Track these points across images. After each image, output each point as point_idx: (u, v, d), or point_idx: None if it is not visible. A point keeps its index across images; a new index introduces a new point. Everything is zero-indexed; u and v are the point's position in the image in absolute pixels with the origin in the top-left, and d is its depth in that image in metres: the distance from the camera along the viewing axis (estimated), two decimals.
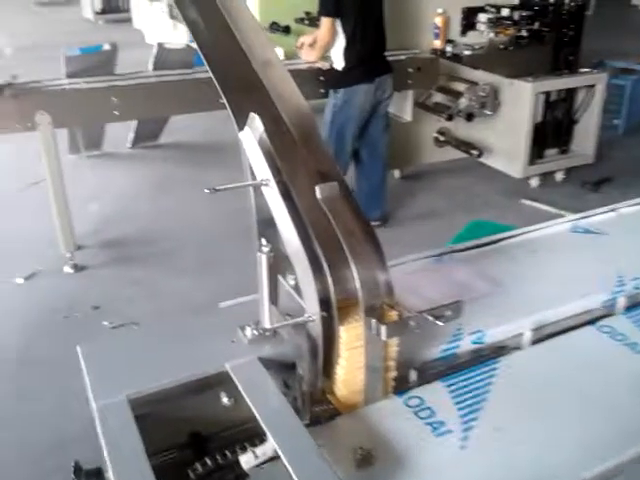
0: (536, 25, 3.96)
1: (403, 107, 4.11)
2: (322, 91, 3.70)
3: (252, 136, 1.12)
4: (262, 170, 1.09)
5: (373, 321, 1.01)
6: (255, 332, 1.12)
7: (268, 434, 0.94)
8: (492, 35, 3.94)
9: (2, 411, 2.53)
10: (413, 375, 1.17)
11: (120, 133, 5.10)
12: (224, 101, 1.20)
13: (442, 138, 4.26)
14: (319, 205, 1.06)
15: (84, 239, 3.83)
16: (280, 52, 4.66)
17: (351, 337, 1.03)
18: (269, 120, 1.16)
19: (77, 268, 3.67)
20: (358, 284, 1.02)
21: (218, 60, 1.25)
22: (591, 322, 1.32)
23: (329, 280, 1.02)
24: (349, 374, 1.05)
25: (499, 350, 1.27)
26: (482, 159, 4.13)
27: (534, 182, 4.27)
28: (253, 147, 1.11)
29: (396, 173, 4.52)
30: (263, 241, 1.07)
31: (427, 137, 4.28)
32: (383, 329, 1.00)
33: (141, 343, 1.17)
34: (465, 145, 4.15)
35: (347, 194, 1.12)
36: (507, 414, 1.07)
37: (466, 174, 4.47)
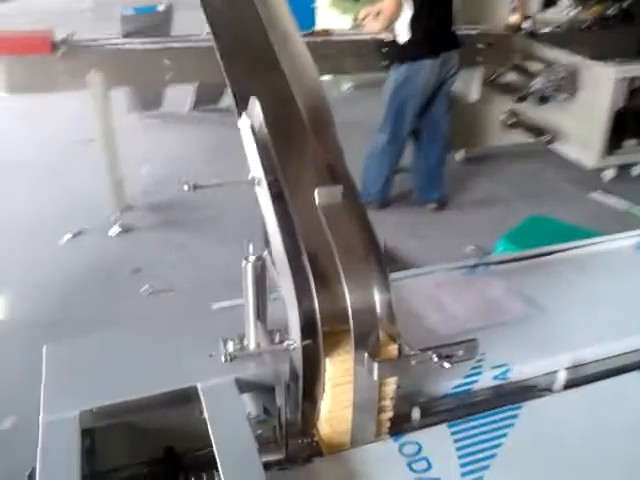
0: (626, 3, 3.59)
1: (470, 85, 3.84)
2: (384, 64, 3.49)
3: (249, 125, 0.97)
4: (255, 166, 0.95)
5: (365, 356, 0.86)
6: (238, 348, 0.99)
7: (220, 468, 0.81)
8: (575, 12, 3.60)
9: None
10: (416, 414, 1.01)
11: (181, 94, 5.05)
12: (226, 80, 1.05)
13: (511, 120, 3.98)
14: (317, 212, 0.91)
15: (133, 200, 3.80)
16: (348, 20, 4.45)
17: (338, 372, 0.88)
18: (278, 104, 1.01)
19: (124, 229, 3.66)
20: (350, 310, 0.86)
21: (226, 26, 1.09)
22: None
23: (315, 302, 0.87)
24: (334, 413, 0.90)
25: (525, 391, 1.09)
26: (552, 145, 3.82)
27: (608, 174, 3.93)
28: (248, 138, 0.97)
29: (459, 155, 4.27)
30: (250, 248, 0.93)
31: (494, 119, 4.00)
32: (375, 367, 0.85)
33: (114, 348, 1.05)
34: (535, 129, 3.85)
35: (354, 200, 0.96)
36: (521, 478, 0.90)
37: (533, 160, 4.17)
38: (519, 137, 4.01)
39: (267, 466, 0.91)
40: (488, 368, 1.08)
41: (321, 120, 1.04)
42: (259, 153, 0.94)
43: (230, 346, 0.99)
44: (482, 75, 3.79)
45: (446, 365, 0.87)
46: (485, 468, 0.90)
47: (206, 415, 0.89)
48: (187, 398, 0.95)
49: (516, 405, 1.01)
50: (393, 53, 3.46)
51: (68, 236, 3.59)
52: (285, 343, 0.89)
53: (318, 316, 0.86)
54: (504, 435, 0.96)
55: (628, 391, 1.07)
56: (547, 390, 1.09)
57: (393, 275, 1.32)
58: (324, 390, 0.89)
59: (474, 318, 1.22)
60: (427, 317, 1.22)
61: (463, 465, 0.90)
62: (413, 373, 0.89)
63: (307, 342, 0.87)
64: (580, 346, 1.14)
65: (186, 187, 0.91)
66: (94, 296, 3.14)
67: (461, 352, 0.89)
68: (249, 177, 0.94)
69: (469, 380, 1.06)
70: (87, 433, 0.94)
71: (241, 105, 1.01)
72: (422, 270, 1.37)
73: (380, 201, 3.83)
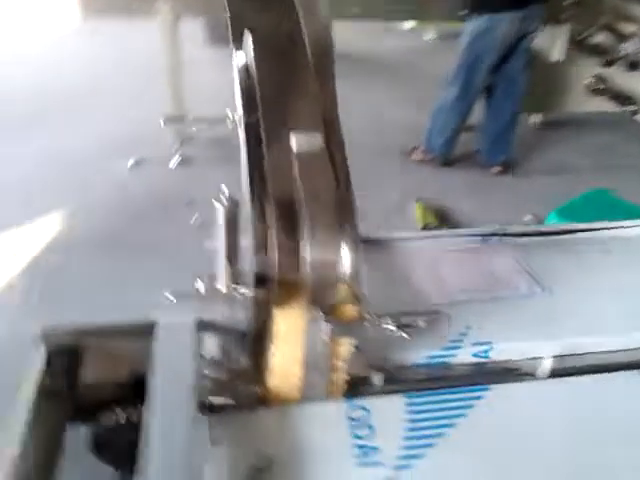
0: None
1: (554, 44, 3.58)
2: (462, 14, 3.29)
3: (240, 60, 0.93)
4: (237, 104, 0.90)
5: (318, 314, 0.82)
6: (206, 288, 0.97)
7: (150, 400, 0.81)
8: None
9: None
10: (377, 379, 0.97)
11: None
12: (226, 13, 1.00)
13: (596, 86, 3.69)
14: (292, 159, 0.86)
15: (196, 133, 3.84)
16: None
17: (288, 325, 0.85)
18: (277, 39, 0.96)
19: (184, 161, 3.72)
20: (308, 262, 0.81)
21: None
22: None
23: (275, 250, 0.83)
24: (282, 366, 0.88)
25: (504, 373, 1.02)
26: (638, 117, 3.54)
27: None
28: (236, 74, 0.92)
29: (534, 119, 4.03)
30: (224, 189, 0.90)
31: (577, 82, 3.73)
32: (327, 326, 0.82)
33: (100, 269, 1.06)
34: (621, 98, 3.57)
35: (338, 154, 0.91)
36: (463, 464, 0.85)
37: (615, 131, 3.89)
38: (602, 105, 3.73)
39: (214, 408, 0.91)
40: (469, 344, 1.02)
41: (321, 65, 0.97)
42: (243, 90, 0.89)
43: (200, 285, 0.98)
44: (568, 34, 3.52)
45: (405, 335, 0.83)
46: (429, 446, 0.86)
47: (155, 349, 0.89)
48: (149, 331, 0.95)
49: (485, 386, 0.96)
50: (473, 2, 3.26)
51: (131, 162, 3.69)
52: (241, 289, 0.87)
53: (275, 264, 0.83)
54: (462, 415, 0.91)
55: (615, 391, 0.98)
56: (529, 376, 1.02)
57: (399, 234, 1.29)
58: (273, 342, 0.87)
59: (471, 290, 1.15)
60: (421, 283, 1.16)
61: (407, 438, 0.86)
62: (371, 337, 0.85)
63: (259, 290, 0.84)
64: (577, 335, 1.05)
65: (162, 122, 0.88)
66: (148, 222, 3.23)
67: (422, 323, 0.84)
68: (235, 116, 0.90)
69: (446, 353, 1.01)
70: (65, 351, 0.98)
71: (238, 42, 0.97)
72: (431, 234, 1.30)
73: (443, 158, 3.70)
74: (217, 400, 0.91)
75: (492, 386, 0.96)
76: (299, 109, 0.92)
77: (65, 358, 1.03)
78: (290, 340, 0.85)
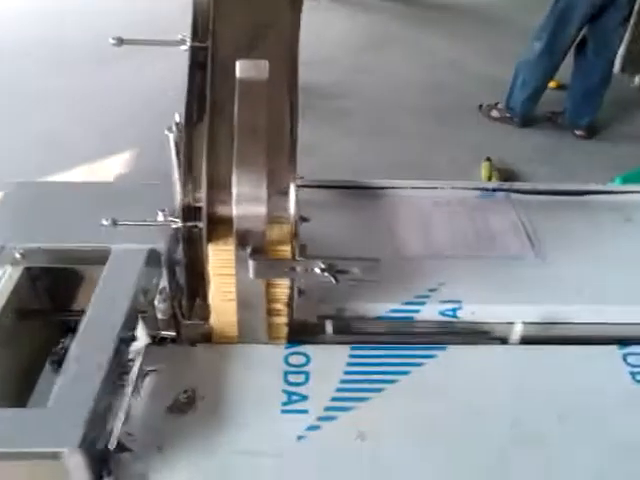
0: None
1: None
2: None
3: None
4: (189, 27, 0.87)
5: (245, 252, 0.79)
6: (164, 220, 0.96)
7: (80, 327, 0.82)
8: None
9: None
10: (328, 327, 0.94)
11: None
12: None
13: None
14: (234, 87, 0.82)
15: None
16: None
17: (219, 261, 0.82)
18: None
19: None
20: (234, 197, 0.78)
21: None
22: (623, 342, 0.93)
23: (204, 182, 0.80)
24: (218, 303, 0.86)
25: (472, 335, 0.95)
26: None
27: None
28: None
29: (635, 80, 3.69)
30: (176, 117, 0.88)
31: None
32: (251, 264, 0.78)
33: (68, 199, 1.07)
34: None
35: (288, 88, 0.86)
36: (391, 427, 0.80)
37: None
38: None
39: (160, 340, 0.91)
40: (436, 301, 0.96)
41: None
42: (196, 12, 0.86)
43: (160, 216, 0.97)
44: None
45: (332, 280, 0.79)
46: (360, 400, 0.82)
47: (102, 274, 0.90)
48: (103, 258, 0.96)
49: (439, 345, 0.90)
50: None
51: None
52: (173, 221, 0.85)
53: (204, 197, 0.80)
54: (405, 373, 0.85)
55: (586, 366, 0.88)
56: (497, 341, 0.95)
57: (390, 182, 1.21)
58: (209, 279, 0.85)
59: (457, 245, 1.07)
60: (404, 233, 1.09)
61: (340, 390, 0.83)
62: (302, 279, 0.82)
63: (189, 224, 0.82)
64: (560, 302, 0.96)
65: (113, 41, 0.86)
66: None
67: (356, 270, 0.79)
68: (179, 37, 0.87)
69: (408, 308, 0.95)
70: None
71: None
72: (432, 183, 1.21)
73: (522, 117, 3.48)
74: (163, 332, 0.91)
75: (450, 346, 0.90)
76: (258, 34, 0.87)
77: (46, 279, 1.06)
78: (223, 276, 0.83)
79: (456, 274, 1.00)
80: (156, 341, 0.90)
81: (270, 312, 0.86)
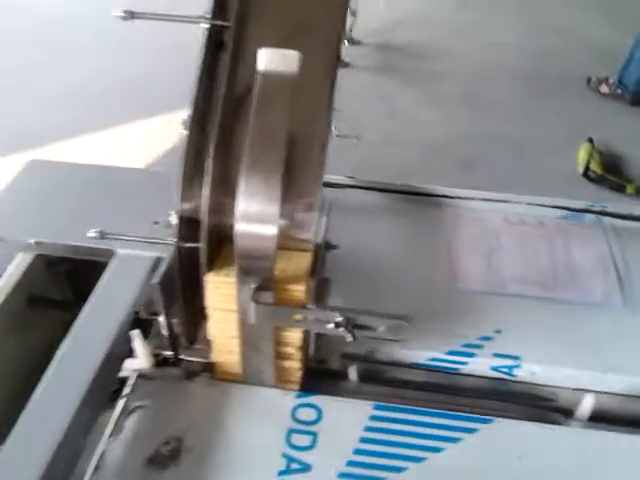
0: None
1: None
2: None
3: None
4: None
5: (249, 287, 0.64)
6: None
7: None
8: None
9: None
10: (352, 373, 0.78)
11: None
12: None
13: None
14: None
15: (365, 35, 3.57)
16: None
17: (217, 295, 0.68)
18: None
19: (342, 64, 3.51)
20: (237, 209, 0.62)
21: None
22: None
23: (206, 194, 0.65)
24: (217, 339, 0.72)
25: (528, 402, 0.77)
26: None
27: None
28: None
29: None
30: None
31: None
32: (252, 307, 0.64)
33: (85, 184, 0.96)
34: None
35: (324, 92, 0.69)
36: None
37: None
38: None
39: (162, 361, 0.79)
40: (489, 354, 0.78)
41: None
42: None
43: (173, 218, 0.84)
44: None
45: (348, 337, 0.63)
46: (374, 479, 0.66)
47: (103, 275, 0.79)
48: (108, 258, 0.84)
49: (484, 418, 0.72)
50: None
51: None
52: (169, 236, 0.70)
53: (205, 207, 0.65)
54: (436, 450, 0.69)
55: None
56: (560, 413, 0.76)
57: (464, 192, 1.02)
58: (207, 308, 0.71)
59: (526, 280, 0.88)
60: (464, 259, 0.91)
61: (350, 464, 0.68)
62: (315, 329, 0.66)
63: (183, 243, 0.67)
64: None
65: (122, 13, 0.71)
66: None
67: (382, 328, 0.63)
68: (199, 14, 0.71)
69: (454, 359, 0.78)
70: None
71: None
72: (505, 196, 1.01)
73: (635, 96, 3.11)
74: (162, 351, 0.79)
75: (499, 419, 0.72)
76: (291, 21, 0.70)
77: (59, 269, 0.97)
78: (222, 311, 0.69)
79: (519, 320, 0.82)
80: (159, 361, 0.78)
81: (280, 356, 0.71)
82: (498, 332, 0.80)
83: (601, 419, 0.75)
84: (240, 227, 0.60)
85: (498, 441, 0.69)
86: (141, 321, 0.79)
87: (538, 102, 3.12)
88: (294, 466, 0.67)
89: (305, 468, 0.67)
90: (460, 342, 0.79)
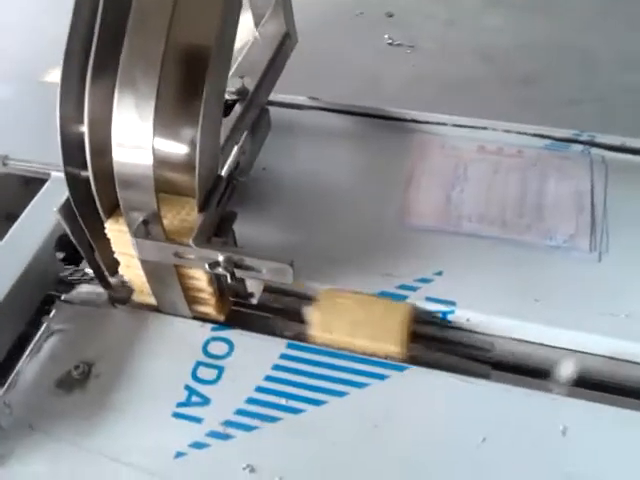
0: None
1: None
2: None
3: None
4: None
5: (135, 222, 0.61)
6: None
7: None
8: None
9: None
10: (253, 299, 0.75)
11: None
12: None
13: None
14: None
15: None
16: None
17: (121, 241, 0.65)
18: None
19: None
20: (114, 144, 0.57)
21: None
22: None
23: (85, 117, 0.60)
24: (133, 281, 0.71)
25: (475, 350, 0.72)
26: None
27: None
28: None
29: None
30: None
31: None
32: (135, 243, 0.61)
33: None
34: None
35: None
36: (296, 465, 0.62)
37: None
38: None
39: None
40: (422, 297, 0.73)
41: None
42: None
43: None
44: None
45: (229, 279, 0.60)
46: (271, 419, 0.64)
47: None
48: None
49: (399, 365, 0.68)
50: None
51: None
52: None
53: (87, 142, 0.61)
54: (340, 394, 0.66)
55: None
56: (489, 365, 0.71)
57: (438, 116, 0.92)
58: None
59: (486, 218, 0.80)
60: (423, 192, 0.84)
61: (249, 401, 0.66)
62: (196, 267, 0.63)
63: (73, 170, 0.64)
64: (609, 324, 0.69)
65: None
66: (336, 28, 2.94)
67: (264, 270, 0.59)
68: None
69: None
70: None
71: None
72: (483, 122, 0.91)
73: None
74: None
75: (413, 367, 0.68)
76: None
77: None
78: (129, 255, 0.67)
79: (465, 261, 0.75)
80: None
81: (192, 288, 0.69)
82: (439, 274, 0.74)
83: (540, 374, 0.70)
84: (115, 155, 0.57)
85: (406, 391, 0.66)
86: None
87: (615, 9, 2.80)
88: (195, 399, 0.67)
89: (204, 402, 0.66)
90: (394, 283, 0.74)
